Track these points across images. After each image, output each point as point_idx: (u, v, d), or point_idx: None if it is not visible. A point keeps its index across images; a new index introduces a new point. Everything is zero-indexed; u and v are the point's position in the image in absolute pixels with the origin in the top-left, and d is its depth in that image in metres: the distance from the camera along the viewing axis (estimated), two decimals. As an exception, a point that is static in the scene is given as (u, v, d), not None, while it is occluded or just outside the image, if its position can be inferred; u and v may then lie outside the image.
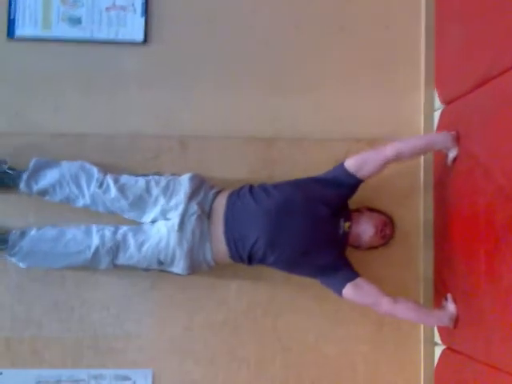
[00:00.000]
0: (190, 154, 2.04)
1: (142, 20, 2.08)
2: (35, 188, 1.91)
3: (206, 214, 1.86)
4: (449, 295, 1.86)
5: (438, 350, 2.00)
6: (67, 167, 1.92)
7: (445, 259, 1.95)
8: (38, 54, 2.07)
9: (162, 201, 1.87)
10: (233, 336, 2.03)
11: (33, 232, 1.90)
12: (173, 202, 1.86)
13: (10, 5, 2.05)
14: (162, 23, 2.09)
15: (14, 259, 1.90)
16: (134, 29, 2.08)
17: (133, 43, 2.08)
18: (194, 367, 2.02)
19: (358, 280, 1.83)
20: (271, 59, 2.11)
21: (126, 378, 2.00)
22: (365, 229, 1.90)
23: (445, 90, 2.00)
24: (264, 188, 1.88)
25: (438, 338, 2.00)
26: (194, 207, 1.84)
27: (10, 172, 1.92)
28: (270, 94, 2.09)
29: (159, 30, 2.09)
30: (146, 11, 2.08)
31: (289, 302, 2.04)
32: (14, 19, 2.06)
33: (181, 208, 1.84)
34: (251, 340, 2.03)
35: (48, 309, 1.99)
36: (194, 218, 1.83)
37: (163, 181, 1.89)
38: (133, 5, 2.08)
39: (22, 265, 1.91)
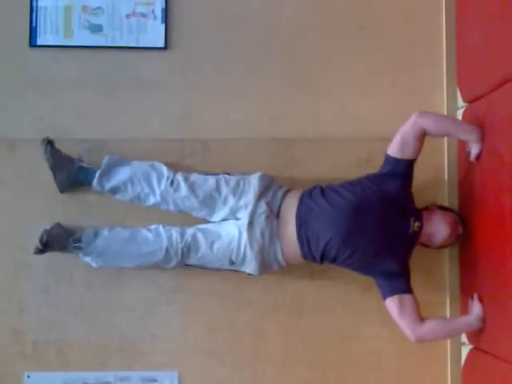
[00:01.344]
0: (213, 156, 2.05)
1: (163, 26, 2.10)
2: (107, 186, 1.93)
3: (275, 214, 1.87)
4: (475, 295, 1.85)
5: (465, 350, 1.98)
6: (138, 165, 1.94)
7: (471, 258, 1.94)
8: (60, 61, 2.09)
9: (231, 200, 1.88)
10: (258, 336, 2.04)
11: (105, 232, 1.93)
12: (242, 202, 1.88)
13: (31, 13, 2.08)
14: (182, 29, 2.11)
15: (87, 259, 1.92)
16: (154, 35, 2.10)
17: (154, 49, 2.10)
18: (220, 368, 2.03)
19: (407, 296, 1.80)
20: (292, 61, 2.12)
21: (153, 380, 2.01)
22: (439, 228, 1.86)
23: (467, 89, 2.00)
24: (334, 189, 1.87)
25: (464, 338, 1.98)
26: (263, 207, 1.85)
27: (84, 168, 1.95)
28: (291, 95, 2.10)
29: (179, 36, 2.11)
30: (166, 18, 2.10)
31: (313, 302, 2.04)
32: (35, 27, 2.09)
33: (250, 208, 1.85)
34: (276, 340, 2.04)
35: (74, 311, 2.01)
36: (262, 217, 1.84)
37: (233, 180, 1.91)
38: (153, 11, 2.11)
39: (94, 264, 1.93)
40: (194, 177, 1.93)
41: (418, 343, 1.82)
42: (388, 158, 1.85)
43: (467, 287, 1.96)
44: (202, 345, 2.03)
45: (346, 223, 1.80)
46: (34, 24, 2.09)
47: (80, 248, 1.90)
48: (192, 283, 2.02)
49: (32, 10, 2.09)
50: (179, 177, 1.92)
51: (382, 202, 1.83)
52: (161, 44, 2.10)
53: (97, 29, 2.10)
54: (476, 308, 1.81)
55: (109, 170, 1.93)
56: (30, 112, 2.07)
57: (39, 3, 2.09)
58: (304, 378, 2.04)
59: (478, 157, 1.84)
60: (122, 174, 1.93)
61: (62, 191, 1.98)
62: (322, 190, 1.88)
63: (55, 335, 2.01)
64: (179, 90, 2.10)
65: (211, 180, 1.91)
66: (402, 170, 1.84)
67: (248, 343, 2.03)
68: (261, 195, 1.87)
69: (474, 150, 1.84)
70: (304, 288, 2.04)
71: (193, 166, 2.02)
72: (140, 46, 2.10)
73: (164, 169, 1.94)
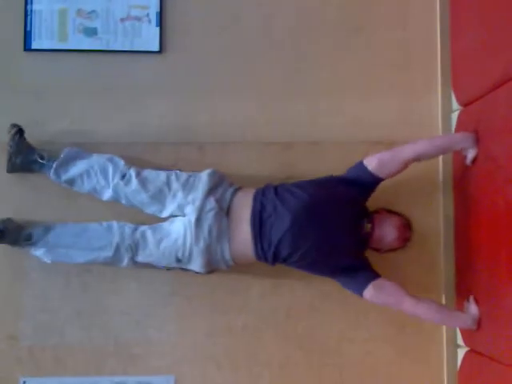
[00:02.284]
0: (209, 159, 2.05)
1: (157, 30, 2.10)
2: (64, 177, 1.94)
3: (225, 211, 1.86)
4: (471, 297, 1.85)
5: (461, 352, 1.99)
6: (96, 158, 1.94)
7: (466, 261, 1.94)
8: (55, 64, 2.10)
9: (180, 195, 1.87)
10: (254, 340, 2.03)
11: (57, 227, 1.93)
12: (190, 197, 1.86)
13: (26, 17, 2.08)
14: (176, 32, 2.11)
15: (39, 252, 1.92)
16: (149, 39, 2.10)
17: (149, 53, 2.10)
18: (216, 372, 2.02)
19: (380, 280, 1.83)
20: (287, 63, 2.12)
21: (149, 385, 2.02)
22: (387, 231, 1.88)
23: (462, 92, 2.00)
24: (287, 188, 1.88)
25: (460, 340, 1.99)
26: (212, 203, 1.84)
27: (40, 162, 1.94)
28: (286, 98, 2.11)
29: (174, 39, 2.11)
30: (161, 21, 2.10)
31: (310, 306, 2.04)
32: (30, 31, 2.09)
33: (198, 203, 1.84)
34: (273, 344, 2.03)
35: (70, 316, 2.01)
36: (211, 214, 1.83)
37: (184, 175, 1.91)
38: (147, 15, 2.11)
39: (46, 259, 1.92)
40: (146, 172, 1.93)
41: (410, 316, 1.83)
42: (360, 166, 1.85)
43: (462, 290, 1.96)
44: (198, 349, 2.03)
45: (297, 222, 1.80)
46: (28, 28, 2.09)
47: (31, 243, 1.91)
48: (188, 287, 2.01)
49: (26, 13, 2.09)
50: (132, 171, 1.92)
51: (337, 203, 1.84)
52: (156, 48, 2.10)
53: (91, 32, 2.10)
54: (472, 310, 1.82)
55: (67, 162, 1.94)
56: (25, 116, 2.06)
57: (34, 7, 2.09)
58: (301, 382, 2.04)
59: (474, 160, 1.85)
60: (79, 166, 1.93)
61: (9, 172, 1.97)
62: (276, 189, 1.88)
63: (51, 340, 2.00)
64: (174, 93, 2.10)
65: (162, 175, 1.91)
66: (368, 182, 1.86)
67: (245, 347, 2.03)
68: (210, 191, 1.86)
69: (470, 154, 1.84)
70: (300, 291, 2.04)
71: (188, 170, 1.98)
72: (135, 49, 2.10)
73: (121, 163, 1.94)
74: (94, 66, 2.10)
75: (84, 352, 2.00)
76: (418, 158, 1.82)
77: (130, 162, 1.98)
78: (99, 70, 2.10)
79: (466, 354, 1.95)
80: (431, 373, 2.05)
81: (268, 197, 1.85)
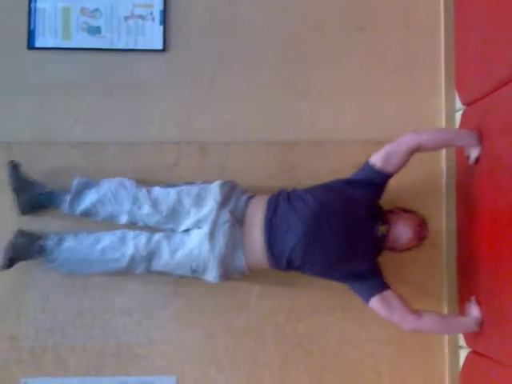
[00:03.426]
0: (211, 159, 2.05)
1: (161, 28, 2.10)
2: (78, 210, 1.93)
3: (239, 222, 1.85)
4: (473, 298, 1.85)
5: (463, 353, 1.98)
6: (107, 185, 1.93)
7: (468, 262, 1.93)
8: (59, 63, 2.09)
9: (194, 211, 1.86)
10: (255, 341, 2.02)
11: (70, 239, 1.91)
12: (204, 211, 1.85)
13: (29, 15, 2.08)
14: (180, 31, 2.11)
15: (53, 266, 1.92)
16: (152, 37, 2.10)
17: (152, 51, 2.10)
18: (217, 373, 2.02)
19: (387, 293, 1.80)
20: (290, 63, 2.12)
21: (150, 385, 2.01)
22: (403, 231, 1.85)
23: (465, 91, 2.00)
24: (299, 194, 1.86)
25: (462, 342, 1.98)
26: (226, 215, 1.83)
27: (49, 192, 1.94)
28: (289, 98, 2.10)
29: (178, 37, 2.10)
30: (165, 19, 2.10)
31: (310, 307, 2.03)
32: (33, 30, 2.09)
33: (212, 217, 1.83)
34: (273, 345, 2.03)
35: (71, 317, 2.00)
36: (226, 226, 1.82)
37: (194, 190, 1.89)
38: (151, 13, 2.11)
39: (61, 271, 1.93)
40: (156, 192, 1.91)
41: (413, 333, 1.82)
42: (367, 166, 1.83)
43: (465, 291, 1.96)
44: (199, 350, 2.02)
45: (309, 230, 1.78)
46: (32, 26, 2.09)
47: (44, 256, 1.90)
48: (189, 288, 2.00)
49: (30, 12, 2.09)
50: (142, 194, 1.90)
51: (348, 208, 1.82)
52: (159, 46, 2.10)
53: (95, 31, 2.10)
54: (474, 311, 1.81)
55: (78, 194, 1.93)
56: (29, 114, 2.07)
57: (37, 5, 2.09)
58: (302, 383, 2.03)
59: (477, 160, 1.84)
60: (91, 196, 1.92)
61: (22, 213, 1.96)
62: (288, 196, 1.87)
63: (52, 341, 2.00)
64: (177, 92, 2.10)
65: (172, 193, 1.89)
66: (377, 182, 1.83)
67: (246, 348, 2.02)
68: (223, 204, 1.85)
69: (473, 153, 1.83)
70: (301, 292, 2.03)
71: (190, 169, 2.02)
72: (138, 48, 2.10)
73: (131, 186, 1.93)
74: (98, 64, 2.10)
75: (85, 352, 2.00)
76: (421, 147, 1.78)
77: (134, 162, 1.99)
78: (103, 68, 2.10)
79: (468, 355, 1.94)
80: (433, 374, 2.04)
81: (281, 204, 1.84)
